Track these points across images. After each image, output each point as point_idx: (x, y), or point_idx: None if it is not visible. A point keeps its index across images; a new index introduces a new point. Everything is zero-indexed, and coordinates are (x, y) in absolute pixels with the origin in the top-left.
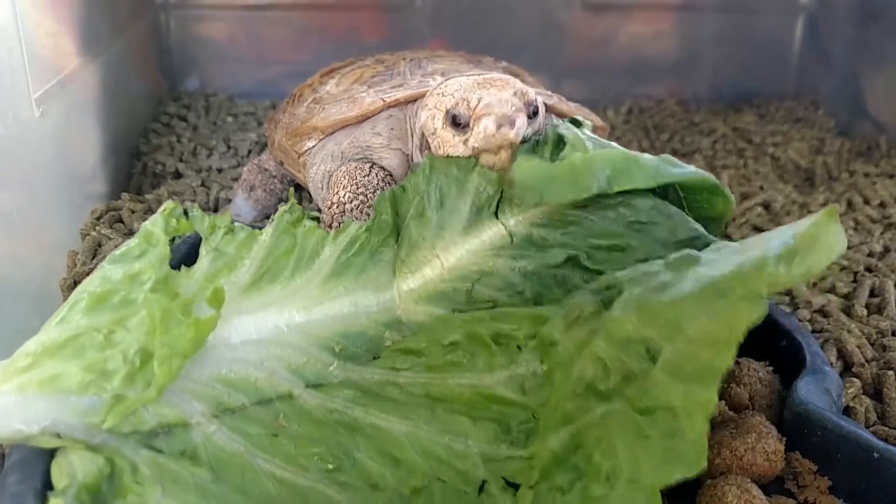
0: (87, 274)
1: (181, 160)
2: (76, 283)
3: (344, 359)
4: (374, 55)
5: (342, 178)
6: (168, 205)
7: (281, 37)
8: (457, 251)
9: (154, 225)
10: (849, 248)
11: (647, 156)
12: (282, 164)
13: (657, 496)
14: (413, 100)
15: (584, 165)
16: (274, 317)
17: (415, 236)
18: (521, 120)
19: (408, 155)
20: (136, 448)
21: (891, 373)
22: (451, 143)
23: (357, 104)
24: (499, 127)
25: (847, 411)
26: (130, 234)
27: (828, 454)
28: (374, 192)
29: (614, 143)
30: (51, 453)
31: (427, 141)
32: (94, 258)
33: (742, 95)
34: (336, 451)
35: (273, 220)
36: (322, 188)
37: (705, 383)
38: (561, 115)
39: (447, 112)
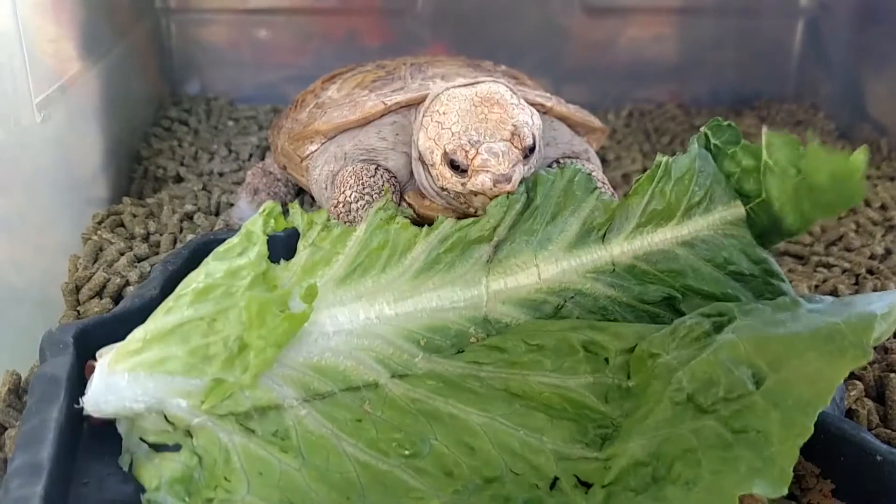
0: (89, 278)
1: (182, 164)
2: (77, 288)
3: (429, 351)
4: (375, 60)
5: (349, 178)
6: (267, 205)
7: (282, 41)
8: (557, 266)
9: (254, 224)
10: (850, 250)
11: None
12: (285, 168)
13: (734, 502)
14: (414, 103)
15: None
16: (365, 309)
17: (518, 241)
18: (518, 173)
19: (412, 158)
20: (231, 431)
21: (893, 375)
22: (448, 181)
23: (359, 107)
24: (496, 183)
25: (850, 414)
26: (132, 238)
27: (831, 457)
28: (379, 192)
29: None
30: (52, 459)
31: (423, 157)
32: (95, 262)
33: (742, 98)
34: (414, 437)
35: (368, 216)
36: (325, 188)
37: (804, 415)
38: (561, 118)
39: (445, 154)
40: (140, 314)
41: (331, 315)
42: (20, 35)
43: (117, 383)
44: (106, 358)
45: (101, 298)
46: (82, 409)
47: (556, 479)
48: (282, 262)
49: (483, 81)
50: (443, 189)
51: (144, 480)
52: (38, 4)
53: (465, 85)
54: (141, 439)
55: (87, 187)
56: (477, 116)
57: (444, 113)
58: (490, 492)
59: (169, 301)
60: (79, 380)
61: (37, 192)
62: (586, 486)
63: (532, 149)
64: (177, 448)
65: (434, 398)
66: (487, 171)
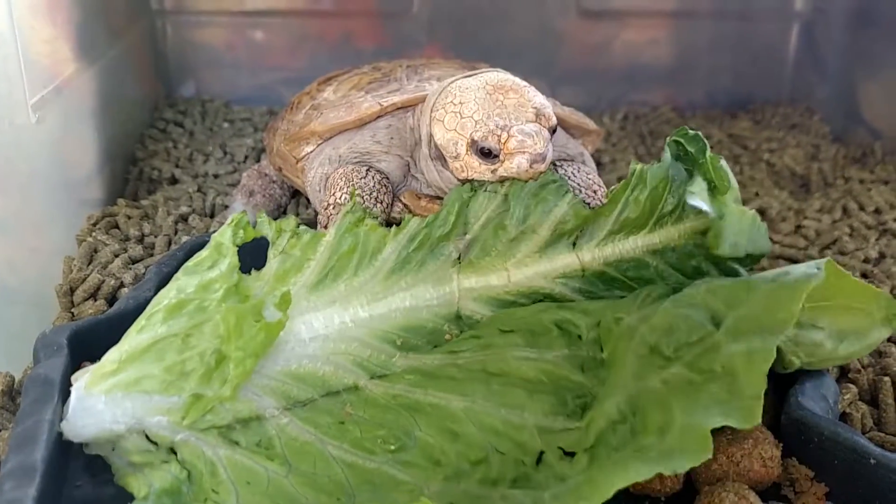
0: (83, 280)
1: (177, 166)
2: (72, 289)
3: (406, 350)
4: (371, 63)
5: (339, 180)
6: (235, 217)
7: (277, 43)
8: (527, 269)
9: (222, 236)
10: (844, 254)
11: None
12: (280, 170)
13: (708, 438)
14: (410, 104)
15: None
16: (339, 313)
17: (489, 242)
18: (549, 152)
19: (407, 161)
20: (215, 445)
21: (887, 379)
22: (476, 170)
23: (355, 109)
24: (532, 164)
25: (844, 417)
26: (126, 239)
27: (824, 460)
28: (371, 193)
29: None
30: (45, 461)
31: (441, 153)
32: (89, 264)
33: (737, 102)
34: (398, 432)
35: (336, 221)
36: (319, 191)
37: (764, 340)
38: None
39: (474, 142)
40: (134, 316)
41: (305, 321)
42: (15, 36)
43: (94, 406)
44: (81, 381)
45: (96, 300)
46: None
47: (541, 453)
48: (252, 272)
49: (486, 71)
50: (464, 182)
51: (133, 489)
52: (34, 6)
53: (468, 76)
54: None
55: (81, 188)
56: (494, 103)
57: (460, 103)
58: (478, 475)
59: (141, 320)
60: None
61: (31, 193)
62: (571, 455)
63: (555, 129)
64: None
65: (414, 391)
66: (524, 153)
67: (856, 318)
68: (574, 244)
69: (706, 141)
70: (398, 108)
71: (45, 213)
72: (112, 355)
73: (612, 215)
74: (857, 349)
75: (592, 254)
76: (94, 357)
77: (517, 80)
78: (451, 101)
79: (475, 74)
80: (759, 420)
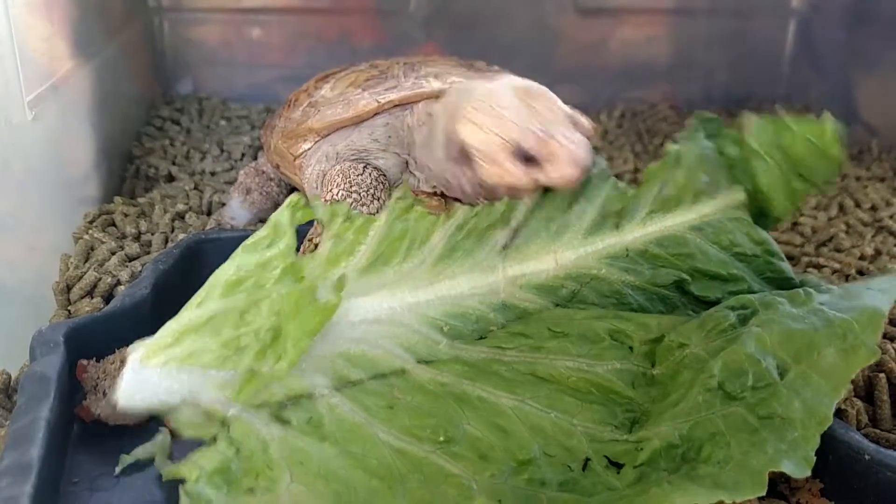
0: (80, 278)
1: (174, 163)
2: (69, 287)
3: (451, 337)
4: (368, 60)
5: (336, 177)
6: (292, 198)
7: (274, 41)
8: (574, 252)
9: (281, 216)
10: (840, 251)
11: None
12: (278, 167)
13: (763, 479)
14: (407, 102)
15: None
16: (388, 298)
17: (535, 228)
18: (590, 161)
19: (405, 159)
20: (267, 422)
21: (882, 375)
22: (513, 175)
23: (352, 106)
24: (579, 171)
25: (839, 414)
26: (123, 237)
27: (820, 457)
28: (368, 190)
29: None
30: (41, 458)
31: (464, 153)
32: (86, 261)
33: (734, 99)
34: (446, 423)
35: (387, 206)
36: (317, 188)
37: (823, 405)
38: None
39: (516, 146)
40: (131, 313)
41: (355, 304)
42: (11, 33)
43: (149, 378)
44: (137, 353)
45: (93, 298)
46: (72, 407)
47: (587, 460)
48: (307, 254)
49: (497, 77)
50: (481, 188)
51: (184, 474)
52: (30, 3)
53: (487, 79)
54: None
55: (78, 186)
56: (527, 109)
57: (499, 106)
58: (525, 475)
59: (200, 294)
60: (69, 379)
61: (28, 190)
62: (617, 466)
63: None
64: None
65: (462, 382)
66: (572, 162)
67: None
68: (617, 225)
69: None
70: (395, 106)
71: (42, 211)
72: (169, 327)
73: (650, 195)
74: None
75: (635, 233)
76: (91, 354)
77: (538, 85)
78: (488, 104)
79: (490, 79)
80: (808, 473)
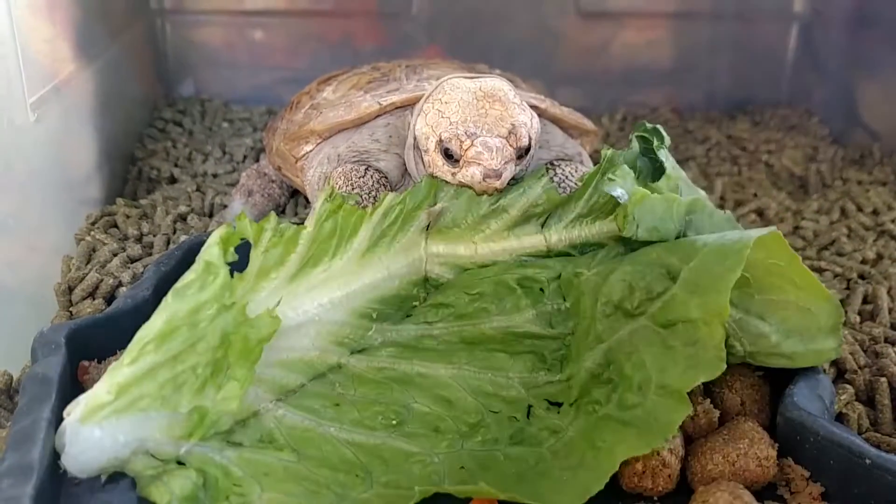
0: (82, 279)
1: (176, 165)
2: (70, 288)
3: (380, 321)
4: (370, 63)
5: (338, 179)
6: (220, 232)
7: (277, 43)
8: (494, 245)
9: (210, 255)
10: (842, 255)
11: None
12: (280, 169)
13: (685, 399)
14: (409, 104)
15: (686, 207)
16: (318, 297)
17: (460, 214)
18: (509, 171)
19: (406, 146)
20: (221, 449)
21: (883, 379)
22: (439, 169)
23: (354, 108)
24: (485, 177)
25: (840, 418)
26: (125, 238)
27: (820, 460)
28: (369, 192)
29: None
30: (43, 459)
31: (417, 143)
32: (88, 263)
33: (736, 103)
34: (394, 406)
35: (316, 210)
36: (318, 190)
37: (719, 293)
38: (553, 120)
39: (440, 141)
40: (132, 315)
41: (287, 310)
42: (14, 35)
43: (92, 438)
44: (73, 416)
45: (94, 299)
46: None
47: (529, 406)
48: (235, 274)
49: (487, 76)
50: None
51: (155, 498)
52: (33, 4)
53: (470, 77)
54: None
55: (80, 188)
56: (477, 110)
57: (445, 102)
58: (479, 437)
59: (132, 350)
60: (70, 380)
61: (30, 192)
62: (558, 405)
63: (527, 150)
64: None
65: (398, 362)
66: (479, 164)
67: (804, 319)
68: (542, 225)
69: (665, 134)
70: (397, 108)
71: (44, 213)
72: (102, 387)
73: (581, 199)
74: (803, 350)
75: (559, 235)
76: (92, 356)
77: (511, 93)
78: (440, 98)
79: (476, 77)
80: (724, 367)
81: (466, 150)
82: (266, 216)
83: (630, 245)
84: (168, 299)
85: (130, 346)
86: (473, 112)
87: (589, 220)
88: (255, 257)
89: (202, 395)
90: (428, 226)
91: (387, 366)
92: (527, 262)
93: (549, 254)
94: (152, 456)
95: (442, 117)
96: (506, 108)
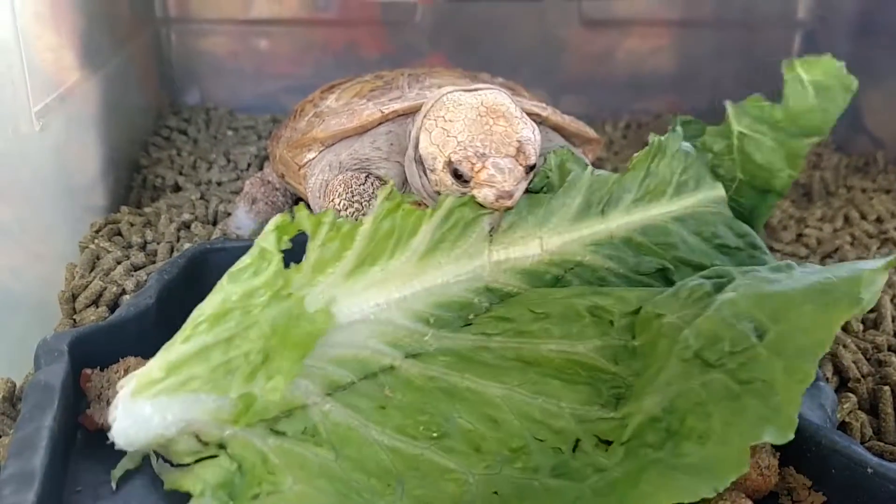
0: (85, 287)
1: (181, 173)
2: (74, 296)
3: (437, 327)
4: (373, 72)
5: (338, 187)
6: (277, 220)
7: (281, 51)
8: (560, 238)
9: (266, 241)
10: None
11: None
12: (283, 177)
13: (746, 454)
14: (411, 112)
15: None
16: (375, 296)
17: (522, 213)
18: (520, 191)
19: (406, 158)
20: (263, 436)
21: (887, 388)
22: (448, 188)
23: (356, 116)
24: (498, 198)
25: (843, 426)
26: (129, 246)
27: (822, 470)
28: (370, 200)
29: None
30: (45, 467)
31: (420, 157)
32: (92, 271)
33: None
34: (439, 418)
35: (373, 208)
36: (319, 197)
37: (805, 361)
38: (556, 128)
39: (450, 162)
40: (135, 323)
41: (343, 307)
42: (19, 44)
43: (142, 413)
44: (126, 389)
45: (98, 307)
46: (76, 416)
47: (577, 440)
48: (292, 265)
49: (485, 89)
50: (438, 193)
51: (188, 488)
52: (38, 13)
53: (467, 90)
54: (176, 464)
55: (85, 196)
56: (482, 127)
57: (449, 120)
58: (519, 464)
59: (186, 328)
60: (73, 388)
61: (35, 200)
62: (607, 443)
63: (533, 167)
64: None
65: (450, 374)
66: (492, 187)
67: None
68: (602, 212)
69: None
70: (399, 116)
71: (49, 220)
72: (156, 363)
73: (635, 183)
74: None
75: (619, 221)
76: (95, 363)
77: (512, 106)
78: (442, 116)
79: (475, 90)
80: (793, 435)
81: (478, 173)
82: (325, 210)
83: (715, 281)
84: (223, 281)
85: (185, 324)
86: (479, 130)
87: (644, 203)
88: (312, 249)
89: (252, 383)
90: (491, 230)
91: (437, 375)
92: (600, 290)
93: (613, 240)
94: (197, 438)
95: (448, 136)
96: (510, 123)
